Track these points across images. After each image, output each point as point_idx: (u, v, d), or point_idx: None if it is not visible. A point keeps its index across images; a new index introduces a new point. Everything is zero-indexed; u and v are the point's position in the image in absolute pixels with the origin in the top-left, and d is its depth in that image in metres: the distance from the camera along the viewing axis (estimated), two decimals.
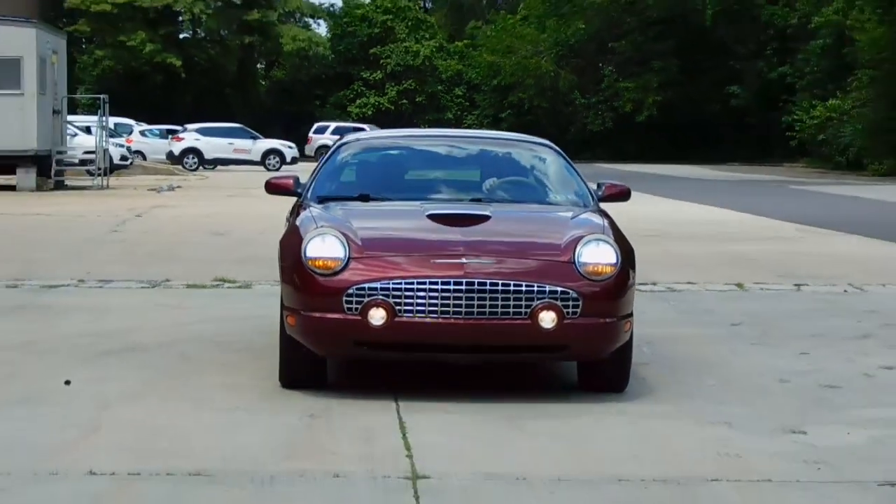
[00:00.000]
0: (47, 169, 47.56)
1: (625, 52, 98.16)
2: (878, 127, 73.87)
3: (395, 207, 12.24)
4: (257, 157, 75.35)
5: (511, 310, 9.87)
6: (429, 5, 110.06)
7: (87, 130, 56.06)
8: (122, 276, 20.34)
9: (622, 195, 13.22)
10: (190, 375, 12.26)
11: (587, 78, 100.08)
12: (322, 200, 12.16)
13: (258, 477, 8.52)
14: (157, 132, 77.56)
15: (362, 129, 59.54)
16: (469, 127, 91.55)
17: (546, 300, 9.85)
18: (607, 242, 10.43)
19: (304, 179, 13.62)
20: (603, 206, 13.08)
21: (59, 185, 47.84)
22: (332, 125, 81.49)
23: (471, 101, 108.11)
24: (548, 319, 9.80)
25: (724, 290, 17.37)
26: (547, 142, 14.22)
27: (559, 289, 9.97)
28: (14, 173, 46.29)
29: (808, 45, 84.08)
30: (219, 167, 73.34)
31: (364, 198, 12.25)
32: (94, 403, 11.27)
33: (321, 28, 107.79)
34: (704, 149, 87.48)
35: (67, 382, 11.93)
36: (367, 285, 9.89)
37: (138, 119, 77.35)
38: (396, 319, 9.89)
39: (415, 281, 9.83)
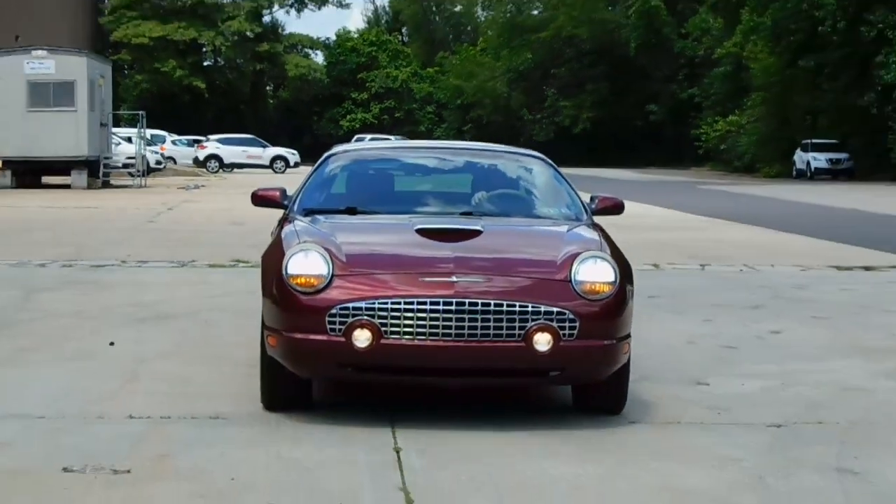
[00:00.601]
0: (96, 171, 47.27)
1: (564, 77, 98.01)
2: (768, 138, 74.24)
3: (382, 221, 9.74)
4: (266, 162, 75.38)
5: (504, 331, 7.80)
6: (406, 38, 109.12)
7: (129, 140, 55.92)
8: (157, 257, 20.25)
9: (616, 208, 10.78)
10: (211, 337, 12.24)
11: (533, 98, 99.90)
12: (308, 213, 9.73)
13: (267, 420, 8.62)
14: (185, 141, 77.47)
15: (388, 139, 59.82)
16: (438, 138, 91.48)
17: (541, 321, 7.79)
18: (605, 259, 8.32)
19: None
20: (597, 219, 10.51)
21: (106, 185, 47.57)
22: (368, 136, 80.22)
23: (440, 116, 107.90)
24: (543, 342, 7.75)
25: (644, 269, 17.18)
26: (538, 154, 11.49)
27: (555, 309, 7.88)
28: (69, 174, 45.99)
29: (712, 71, 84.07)
30: (235, 170, 73.08)
31: (351, 210, 9.78)
32: (132, 360, 11.26)
33: (318, 57, 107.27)
34: (628, 155, 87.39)
35: (111, 343, 11.92)
36: (351, 305, 7.87)
37: (170, 131, 77.13)
38: (382, 341, 7.82)
39: (402, 300, 7.78)
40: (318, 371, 8.47)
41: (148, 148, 57.28)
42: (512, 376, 8.52)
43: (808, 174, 65.17)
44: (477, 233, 8.86)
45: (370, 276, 8.24)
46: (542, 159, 11.18)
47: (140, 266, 19.30)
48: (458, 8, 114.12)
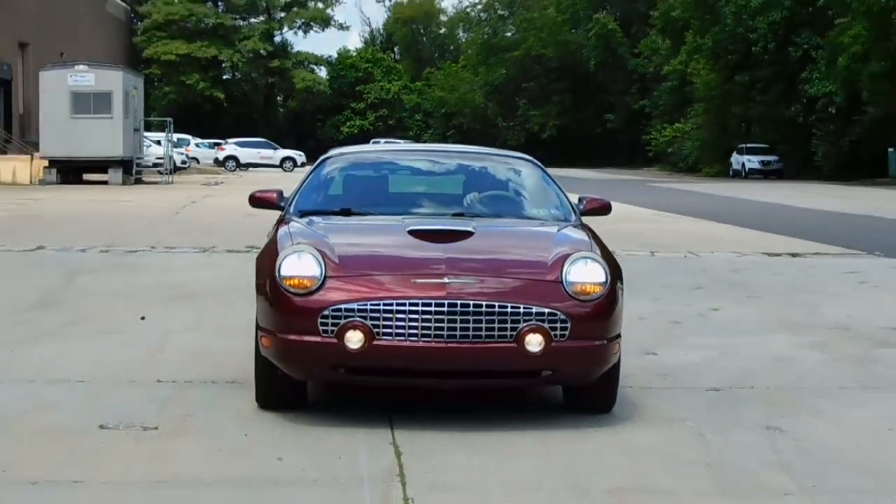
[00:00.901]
0: (130, 169, 47.30)
1: (533, 90, 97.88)
2: (708, 143, 74.41)
3: (375, 222, 8.69)
4: (277, 162, 75.69)
5: (496, 333, 6.88)
6: (397, 56, 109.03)
7: (158, 143, 55.97)
8: (182, 244, 20.21)
9: (604, 209, 9.68)
10: (228, 313, 12.13)
11: (507, 108, 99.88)
12: (304, 214, 8.66)
13: None
14: (207, 144, 77.47)
15: (398, 142, 59.58)
16: (425, 142, 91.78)
17: (533, 322, 6.88)
18: (595, 260, 7.38)
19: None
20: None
21: (138, 181, 47.55)
22: (383, 140, 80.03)
23: (426, 123, 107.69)
24: (534, 343, 6.84)
25: None
26: (527, 156, 10.16)
27: (546, 310, 6.97)
28: (106, 172, 45.99)
29: (661, 86, 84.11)
30: (250, 169, 73.03)
31: (346, 212, 8.74)
32: (160, 333, 11.24)
33: (322, 72, 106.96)
34: (589, 158, 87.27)
35: (142, 318, 11.92)
36: (343, 306, 6.93)
37: (193, 135, 77.01)
38: (375, 342, 6.89)
39: (394, 302, 6.88)
40: (311, 372, 7.42)
41: (174, 150, 57.83)
42: (504, 377, 7.45)
43: (743, 174, 65.26)
44: (468, 234, 7.79)
45: (362, 278, 7.23)
46: (532, 161, 9.93)
47: (167, 252, 19.25)
48: (442, 30, 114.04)
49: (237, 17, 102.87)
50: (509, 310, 6.98)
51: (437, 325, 6.92)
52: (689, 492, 6.43)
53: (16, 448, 7.23)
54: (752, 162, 66.12)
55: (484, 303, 6.97)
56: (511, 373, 7.33)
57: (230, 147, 76.68)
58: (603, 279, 7.29)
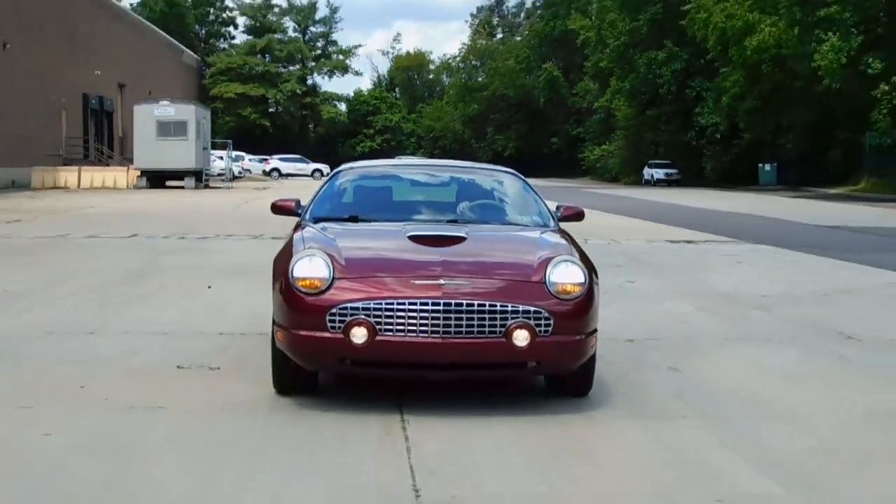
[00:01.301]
0: (200, 178, 47.03)
1: (498, 120, 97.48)
2: (626, 160, 74.50)
3: (379, 228, 7.61)
4: (309, 172, 74.93)
5: (486, 329, 6.16)
6: (398, 95, 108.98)
7: (221, 158, 55.76)
8: (238, 232, 20.16)
9: (577, 216, 8.86)
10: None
11: (478, 133, 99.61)
12: (318, 221, 7.76)
13: None
14: (257, 159, 77.19)
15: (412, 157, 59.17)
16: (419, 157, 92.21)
17: (520, 319, 6.17)
18: (575, 263, 6.61)
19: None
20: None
21: (206, 187, 47.41)
22: (404, 157, 79.47)
23: (419, 144, 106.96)
24: (521, 338, 6.15)
25: None
26: (511, 169, 9.23)
27: (532, 308, 6.23)
28: (183, 179, 45.84)
29: (592, 118, 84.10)
30: (289, 178, 72.96)
31: (354, 219, 7.74)
32: (223, 297, 11.28)
33: (342, 106, 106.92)
34: (539, 171, 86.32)
35: (209, 287, 11.90)
36: (349, 305, 6.17)
37: (247, 152, 76.85)
38: (377, 338, 6.14)
39: (395, 301, 6.15)
40: (320, 364, 6.53)
41: (233, 163, 57.93)
42: (493, 369, 6.57)
43: (652, 182, 65.12)
44: (462, 239, 6.89)
45: (367, 279, 6.36)
46: (514, 174, 8.89)
47: (227, 238, 19.21)
48: (431, 76, 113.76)
49: (280, 65, 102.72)
50: (498, 308, 6.17)
51: (433, 322, 6.10)
52: (610, 415, 6.48)
53: (116, 382, 7.28)
54: (659, 174, 66.09)
55: (476, 302, 6.15)
56: (500, 365, 6.45)
57: (274, 161, 76.19)
58: (582, 280, 6.46)
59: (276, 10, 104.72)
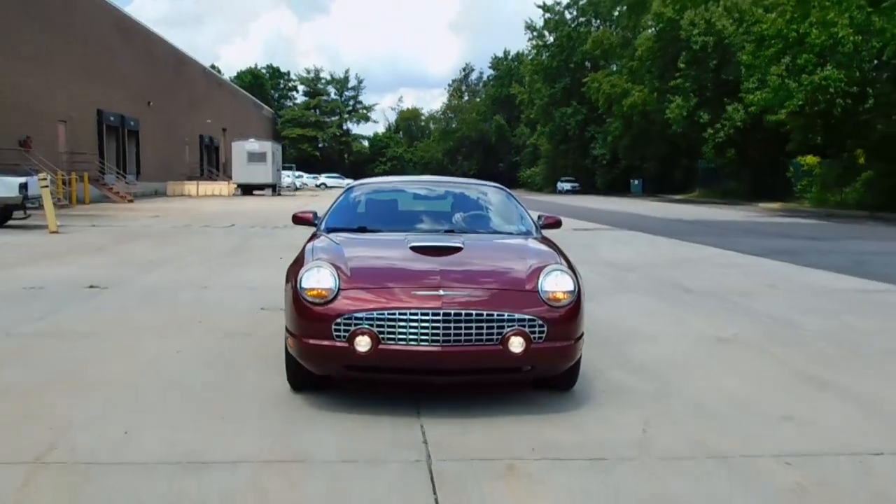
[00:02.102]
0: (275, 189, 46.87)
1: (464, 151, 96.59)
2: (546, 178, 74.04)
3: (384, 238, 5.84)
4: (345, 185, 74.36)
5: (484, 337, 4.64)
6: (401, 135, 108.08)
7: (288, 176, 55.50)
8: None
9: (556, 224, 7.11)
10: None
11: (453, 160, 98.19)
12: (331, 231, 6.13)
13: None
14: (311, 177, 76.49)
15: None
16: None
17: (515, 327, 4.64)
18: (565, 272, 5.07)
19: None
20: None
21: (279, 195, 47.07)
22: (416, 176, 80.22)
23: (415, 168, 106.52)
24: (517, 344, 4.61)
25: None
26: (497, 184, 7.36)
27: (527, 316, 4.69)
28: (264, 190, 45.60)
29: (525, 150, 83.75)
30: (333, 189, 72.71)
31: (362, 229, 6.06)
32: (284, 264, 11.20)
33: (366, 143, 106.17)
34: None
35: (280, 258, 11.79)
36: (354, 315, 4.62)
37: (305, 172, 76.40)
38: (380, 346, 4.59)
39: (396, 311, 4.59)
40: (327, 370, 4.79)
41: (296, 179, 57.83)
42: (490, 373, 4.80)
43: (562, 192, 65.00)
44: (458, 249, 5.23)
45: (370, 290, 4.67)
46: (500, 187, 7.10)
47: (291, 227, 19.09)
48: (423, 123, 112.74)
49: (325, 116, 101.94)
50: (495, 317, 4.55)
51: (433, 331, 4.47)
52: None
53: (221, 318, 7.19)
54: (566, 186, 65.80)
55: (473, 312, 4.53)
56: (497, 370, 4.71)
57: (322, 178, 74.97)
58: (572, 288, 4.87)
59: (323, 81, 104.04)
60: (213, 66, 72.04)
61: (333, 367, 4.64)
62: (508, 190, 6.93)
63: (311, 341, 4.58)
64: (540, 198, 51.70)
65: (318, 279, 4.69)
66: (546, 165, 75.42)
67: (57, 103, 31.63)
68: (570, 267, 5.12)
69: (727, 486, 3.65)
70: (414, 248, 5.12)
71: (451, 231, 5.94)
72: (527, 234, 6.08)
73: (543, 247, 5.63)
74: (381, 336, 4.46)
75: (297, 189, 56.40)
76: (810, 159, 36.92)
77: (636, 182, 60.10)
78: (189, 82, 52.02)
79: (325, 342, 4.52)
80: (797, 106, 29.85)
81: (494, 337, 4.51)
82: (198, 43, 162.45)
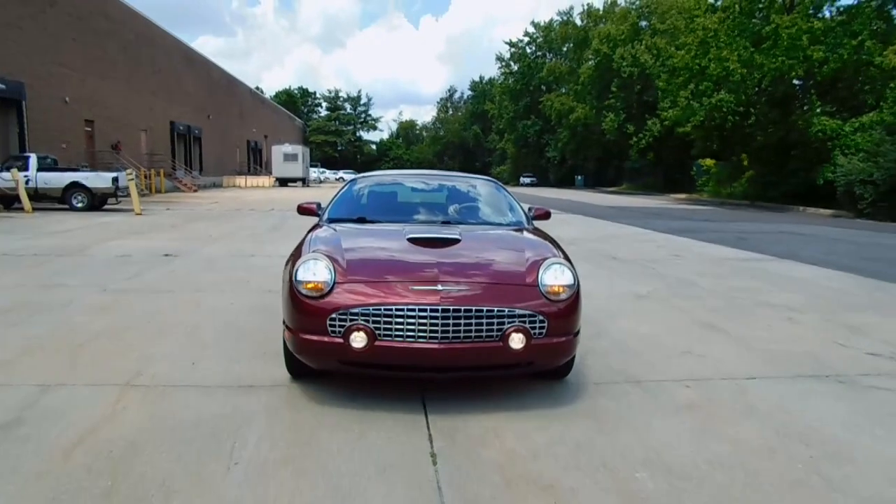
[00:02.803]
0: (305, 182, 46.02)
1: (448, 154, 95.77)
2: (511, 174, 72.88)
3: (382, 229, 4.30)
4: None
5: (484, 333, 3.31)
6: (401, 141, 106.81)
7: (315, 173, 54.80)
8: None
9: (546, 216, 5.74)
10: None
11: (440, 161, 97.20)
12: (333, 221, 4.74)
13: None
14: (332, 172, 74.92)
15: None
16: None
17: (516, 324, 3.34)
18: (564, 265, 3.71)
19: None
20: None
21: (308, 186, 46.26)
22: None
23: (411, 166, 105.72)
24: (517, 340, 3.33)
25: None
26: (490, 177, 5.91)
27: (527, 312, 3.37)
28: (297, 183, 44.73)
29: (495, 153, 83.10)
30: None
31: (362, 220, 4.63)
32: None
33: (374, 146, 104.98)
34: None
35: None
36: (350, 310, 3.31)
37: (329, 168, 75.45)
38: (377, 343, 3.29)
39: (393, 307, 3.26)
40: (323, 365, 3.51)
41: (321, 174, 57.18)
42: (489, 370, 3.47)
43: (524, 185, 64.36)
44: (456, 241, 3.90)
45: (367, 284, 3.45)
46: (493, 181, 5.69)
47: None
48: (418, 131, 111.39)
49: (342, 126, 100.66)
50: (495, 312, 3.34)
51: (431, 327, 3.29)
52: None
53: (264, 279, 7.04)
54: (526, 180, 64.80)
55: (473, 308, 3.32)
56: (496, 366, 3.44)
57: (341, 172, 72.94)
58: (571, 281, 3.64)
59: (341, 99, 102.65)
60: (257, 88, 70.85)
61: (328, 362, 3.45)
62: (499, 183, 5.55)
63: (306, 336, 3.42)
64: (508, 189, 51.39)
65: (314, 272, 3.51)
66: (511, 164, 74.91)
67: (140, 116, 31.74)
68: (567, 259, 3.88)
69: (640, 401, 3.70)
70: (412, 240, 3.86)
71: (447, 222, 4.57)
72: (519, 225, 4.81)
73: (539, 238, 4.38)
74: (378, 332, 3.31)
75: (321, 182, 55.91)
76: (708, 161, 37.24)
77: (580, 178, 59.67)
78: (239, 100, 51.13)
79: (321, 337, 3.37)
80: (699, 121, 30.27)
81: (494, 333, 3.34)
82: (245, 70, 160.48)
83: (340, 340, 3.34)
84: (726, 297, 6.70)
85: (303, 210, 5.39)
